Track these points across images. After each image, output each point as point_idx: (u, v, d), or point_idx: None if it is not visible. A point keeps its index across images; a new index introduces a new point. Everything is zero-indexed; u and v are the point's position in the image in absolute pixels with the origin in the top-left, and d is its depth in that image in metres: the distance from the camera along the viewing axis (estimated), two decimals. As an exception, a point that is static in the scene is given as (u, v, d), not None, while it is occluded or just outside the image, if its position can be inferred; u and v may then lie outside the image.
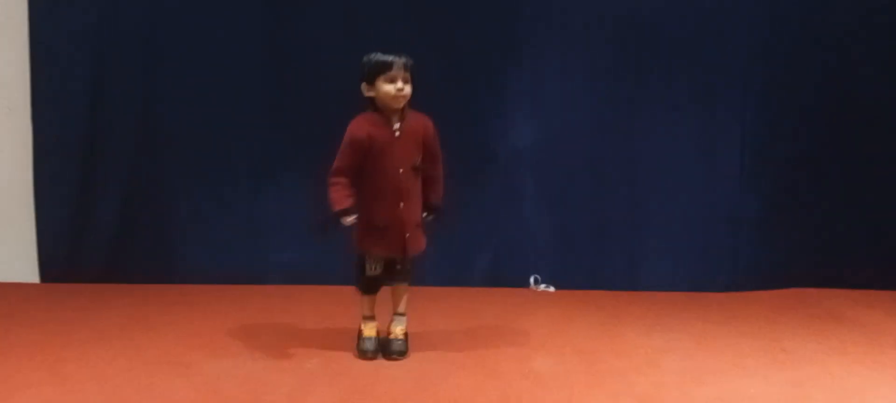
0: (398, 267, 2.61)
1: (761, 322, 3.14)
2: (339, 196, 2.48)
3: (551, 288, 3.66)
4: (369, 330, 2.65)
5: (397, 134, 2.53)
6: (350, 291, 3.35)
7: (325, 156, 3.51)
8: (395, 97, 2.48)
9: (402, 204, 2.53)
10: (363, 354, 2.60)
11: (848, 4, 3.64)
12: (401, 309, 2.69)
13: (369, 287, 2.66)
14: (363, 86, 2.53)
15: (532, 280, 3.68)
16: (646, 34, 3.63)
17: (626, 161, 3.71)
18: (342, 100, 3.60)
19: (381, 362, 2.58)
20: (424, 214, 2.62)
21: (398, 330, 2.66)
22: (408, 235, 2.54)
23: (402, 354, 2.61)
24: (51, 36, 3.58)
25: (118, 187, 3.65)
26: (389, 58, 2.48)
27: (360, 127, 2.52)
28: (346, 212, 2.47)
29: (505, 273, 3.71)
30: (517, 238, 3.73)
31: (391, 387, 2.34)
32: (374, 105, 2.54)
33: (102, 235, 3.65)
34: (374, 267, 2.60)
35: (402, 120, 2.54)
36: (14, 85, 3.60)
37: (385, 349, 2.62)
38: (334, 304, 3.23)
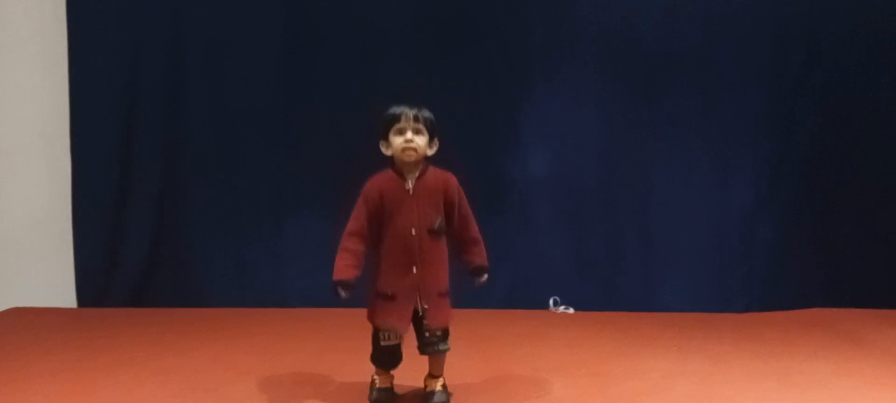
0: (426, 334, 2.31)
1: (776, 344, 3.16)
2: (342, 264, 2.25)
3: (571, 310, 3.71)
4: (383, 381, 2.42)
5: (410, 192, 2.30)
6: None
7: (343, 187, 3.63)
8: (404, 149, 2.28)
9: (415, 270, 2.26)
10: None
11: (856, 26, 3.68)
12: (436, 371, 2.42)
13: (383, 362, 2.38)
14: (381, 144, 2.35)
15: (552, 302, 3.74)
16: (657, 62, 3.71)
17: (640, 185, 3.78)
18: (359, 137, 3.72)
19: (400, 384, 2.62)
20: (481, 279, 2.37)
21: (436, 382, 2.41)
22: (426, 306, 2.27)
23: None
24: (89, 70, 3.77)
25: (150, 216, 3.82)
26: (399, 110, 2.31)
27: (373, 184, 2.32)
28: (343, 285, 2.24)
29: (523, 295, 3.77)
30: (534, 261, 3.80)
31: (407, 412, 2.41)
32: (393, 163, 2.35)
33: (135, 262, 3.81)
34: (388, 336, 2.32)
35: (418, 177, 2.32)
36: (53, 115, 3.76)
37: (425, 401, 2.39)
38: (354, 327, 3.30)
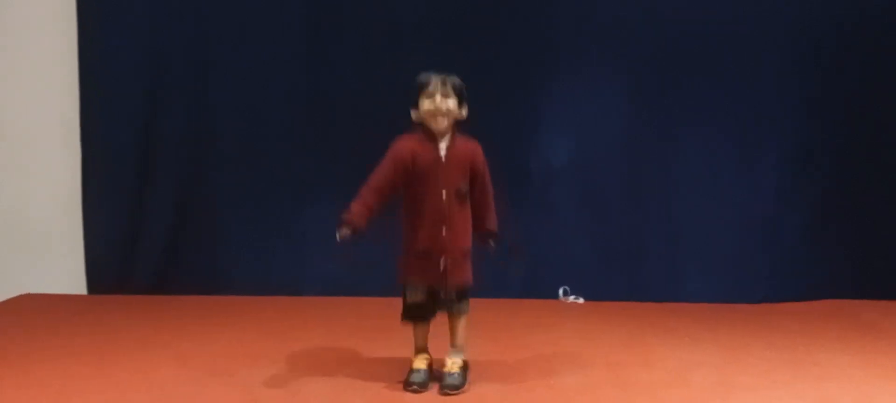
0: (444, 296, 2.43)
1: (794, 334, 3.13)
2: (356, 208, 2.36)
3: (581, 300, 3.69)
4: (418, 362, 2.50)
5: (443, 155, 2.41)
6: (386, 302, 3.46)
7: (360, 175, 3.65)
8: (433, 113, 2.38)
9: (444, 230, 2.39)
10: (408, 386, 2.43)
11: (887, 12, 3.60)
12: (456, 341, 2.50)
13: (412, 315, 2.49)
14: (412, 112, 2.45)
15: (561, 292, 3.72)
16: (680, 50, 3.66)
17: (662, 175, 3.74)
18: (377, 124, 3.73)
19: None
20: (490, 243, 2.49)
21: (451, 362, 2.47)
22: (450, 263, 2.39)
23: (456, 388, 2.40)
24: (101, 60, 3.78)
25: (166, 203, 3.83)
26: (427, 76, 2.42)
27: (404, 143, 2.42)
28: (349, 225, 2.33)
29: (542, 285, 3.76)
30: (554, 250, 3.78)
31: (419, 397, 2.41)
32: (422, 129, 2.44)
33: (149, 249, 3.83)
34: (414, 293, 2.45)
35: (449, 142, 2.43)
36: (64, 99, 3.79)
37: (440, 382, 2.44)
38: (370, 315, 3.34)
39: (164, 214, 3.83)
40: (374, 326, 3.17)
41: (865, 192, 3.68)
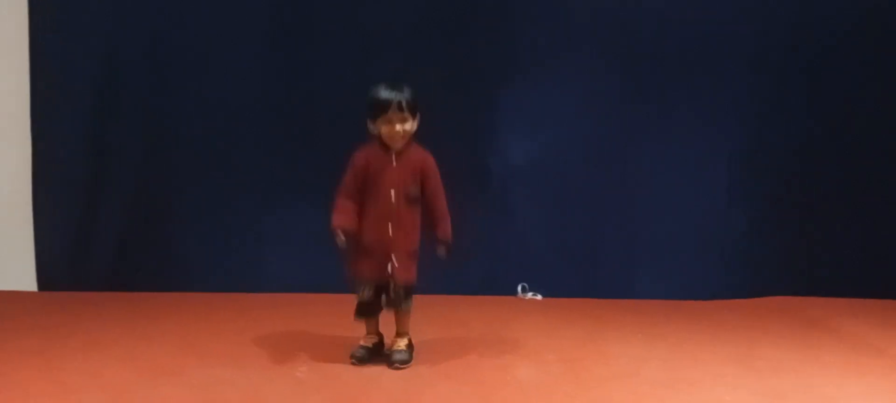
0: (391, 294, 2.63)
1: (744, 330, 3.21)
2: (339, 214, 2.60)
3: (538, 296, 3.74)
4: (365, 340, 2.74)
5: (394, 162, 2.63)
6: (345, 300, 3.46)
7: (323, 169, 3.65)
8: (393, 137, 2.61)
9: (390, 228, 2.59)
10: (352, 358, 2.67)
11: (834, 22, 3.72)
12: (400, 329, 2.73)
13: (363, 312, 2.71)
14: (368, 123, 2.64)
15: (520, 288, 3.76)
16: (639, 53, 3.73)
17: (618, 176, 3.80)
18: (342, 119, 3.72)
19: (373, 370, 2.64)
20: (442, 250, 2.64)
21: (398, 342, 2.71)
22: (394, 262, 2.58)
23: (405, 362, 2.65)
24: (52, 55, 3.69)
25: (119, 198, 3.76)
26: (386, 98, 2.57)
27: (360, 154, 2.67)
28: (342, 230, 2.57)
29: (499, 282, 3.79)
30: (511, 248, 3.82)
31: (378, 395, 2.42)
32: (379, 139, 2.64)
33: (102, 245, 3.75)
34: (363, 291, 2.65)
35: (401, 150, 2.65)
36: (13, 93, 3.68)
37: (389, 359, 2.66)
38: (328, 314, 3.31)
39: (118, 211, 3.75)
40: (329, 323, 3.15)
41: (813, 192, 3.80)
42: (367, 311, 2.71)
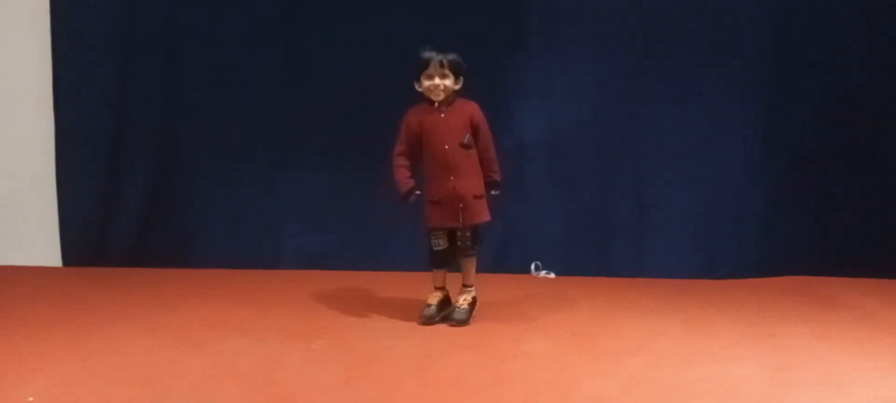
0: (459, 240, 2.88)
1: (756, 308, 3.22)
2: (401, 178, 2.86)
3: (552, 275, 3.77)
4: (432, 298, 2.93)
5: (442, 115, 2.85)
6: (357, 276, 3.52)
7: (335, 148, 3.68)
8: (432, 90, 2.83)
9: (452, 178, 2.83)
10: (422, 318, 2.87)
11: (852, 1, 3.67)
12: (466, 281, 2.97)
13: (435, 261, 2.93)
14: (415, 84, 2.87)
15: (533, 266, 3.79)
16: (653, 29, 3.71)
17: (633, 152, 3.80)
18: (353, 94, 3.76)
19: (385, 343, 2.70)
20: (493, 192, 2.92)
21: (461, 299, 2.93)
22: (461, 206, 2.83)
23: (462, 322, 2.85)
24: (73, 29, 3.75)
25: (140, 175, 3.84)
26: (426, 55, 2.83)
27: (411, 114, 2.89)
28: (410, 191, 2.84)
29: (512, 259, 3.82)
30: (523, 226, 3.84)
31: (391, 365, 2.47)
32: (425, 98, 2.87)
33: (125, 221, 3.84)
34: (438, 241, 2.89)
35: (448, 105, 2.87)
36: (38, 75, 3.76)
37: (447, 316, 2.89)
38: (343, 288, 3.39)
39: (139, 187, 3.84)
40: (350, 298, 3.22)
41: (828, 172, 3.77)
42: (441, 260, 2.92)
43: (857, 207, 3.78)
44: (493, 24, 3.74)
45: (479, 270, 3.71)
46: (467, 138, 2.86)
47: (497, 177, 2.93)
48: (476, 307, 2.96)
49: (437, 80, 2.82)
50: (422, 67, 2.84)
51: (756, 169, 3.77)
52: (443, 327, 2.87)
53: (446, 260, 2.93)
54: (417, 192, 2.85)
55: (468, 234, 2.88)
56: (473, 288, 2.97)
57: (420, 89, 2.87)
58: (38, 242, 3.82)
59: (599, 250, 3.84)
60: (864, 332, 2.89)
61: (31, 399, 2.13)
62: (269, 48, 3.79)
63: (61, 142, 3.80)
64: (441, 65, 2.83)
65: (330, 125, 3.76)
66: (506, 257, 3.82)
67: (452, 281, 3.03)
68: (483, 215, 2.89)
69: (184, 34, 3.78)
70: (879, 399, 2.26)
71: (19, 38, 3.78)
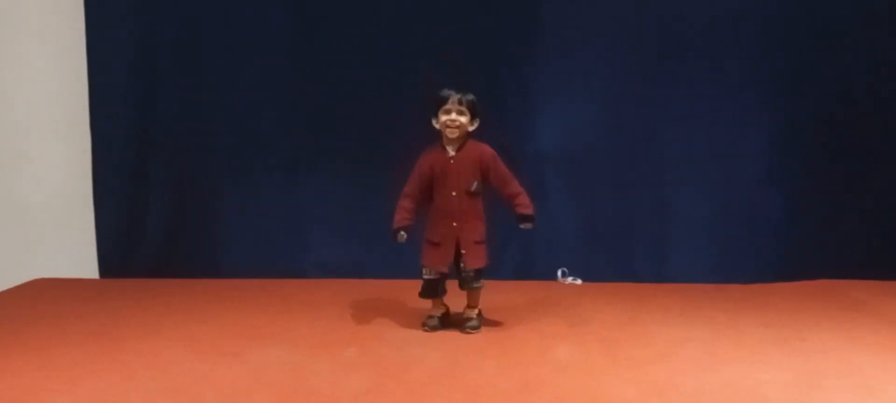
0: (462, 274, 2.93)
1: (782, 312, 3.21)
2: (399, 216, 2.87)
3: (578, 281, 3.78)
4: (435, 310, 3.00)
5: (452, 161, 2.90)
6: (383, 285, 3.56)
7: (359, 157, 3.74)
8: (448, 125, 2.87)
9: (455, 224, 2.89)
10: (424, 326, 2.94)
11: (867, 6, 3.66)
12: (471, 303, 3.02)
13: (426, 293, 2.97)
14: (433, 121, 2.92)
15: (560, 273, 3.81)
16: (669, 35, 3.73)
17: (653, 158, 3.81)
18: (373, 105, 3.82)
19: (416, 351, 2.74)
20: (527, 225, 2.91)
21: (469, 312, 3.00)
22: (464, 252, 2.89)
23: (476, 328, 2.93)
24: (107, 44, 3.86)
25: (170, 189, 3.93)
26: (445, 93, 2.88)
27: (425, 157, 2.95)
28: (402, 229, 2.84)
29: (534, 267, 3.85)
30: (545, 233, 3.85)
31: (421, 373, 2.51)
32: (441, 136, 2.91)
33: (156, 234, 3.93)
34: (428, 274, 2.94)
35: (458, 149, 2.91)
36: (73, 94, 3.88)
37: (460, 326, 2.96)
38: (369, 297, 3.43)
39: (169, 201, 3.93)
40: (377, 306, 3.27)
41: (853, 174, 3.75)
42: (431, 293, 2.97)
43: (877, 210, 3.76)
44: (509, 32, 3.78)
45: (503, 278, 3.77)
46: (475, 186, 2.89)
47: (525, 210, 2.89)
48: (482, 318, 3.02)
49: (454, 116, 2.86)
50: (439, 103, 2.87)
51: (776, 172, 3.77)
52: (470, 336, 2.91)
53: (440, 290, 2.97)
54: (404, 235, 2.84)
55: (470, 274, 2.91)
56: (478, 307, 3.02)
57: (437, 126, 2.90)
58: (76, 255, 3.92)
59: (622, 256, 3.85)
60: (892, 336, 2.87)
61: (73, 409, 2.20)
62: (292, 61, 3.86)
63: (97, 157, 3.91)
64: (459, 102, 2.86)
65: (354, 134, 3.83)
66: (530, 264, 3.85)
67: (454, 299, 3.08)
68: (481, 261, 2.92)
69: (207, 51, 3.87)
70: (911, 402, 2.25)
71: (57, 60, 3.91)
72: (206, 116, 3.92)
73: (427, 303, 3.02)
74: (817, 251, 3.76)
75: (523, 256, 3.83)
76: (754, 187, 3.78)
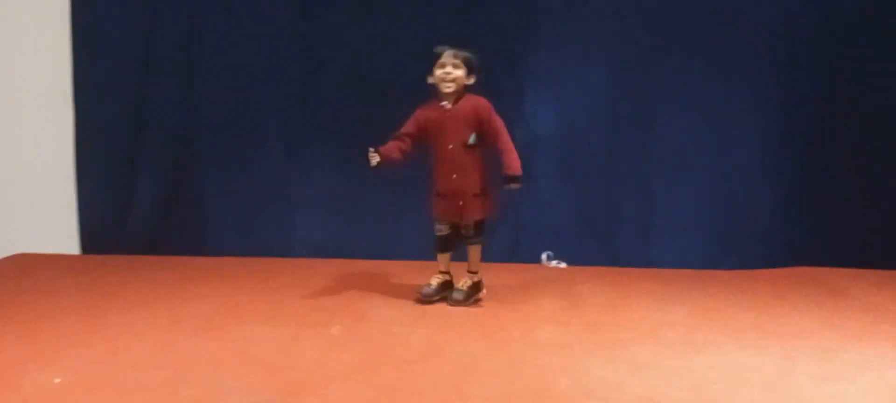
0: (462, 230, 2.99)
1: (765, 298, 3.26)
2: (389, 143, 2.92)
3: (563, 264, 3.81)
4: (433, 279, 3.05)
5: (449, 114, 2.92)
6: (369, 265, 3.58)
7: (349, 138, 3.73)
8: (443, 79, 2.91)
9: (455, 176, 2.93)
10: (420, 295, 3.01)
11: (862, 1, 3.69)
12: (471, 267, 3.06)
13: (437, 245, 3.04)
14: (429, 77, 2.95)
15: (544, 256, 3.84)
16: (664, 23, 3.74)
17: (641, 145, 3.84)
18: (363, 87, 3.82)
19: (401, 329, 2.76)
20: (512, 185, 2.93)
21: (461, 282, 3.04)
22: (461, 203, 2.93)
23: (458, 302, 2.98)
24: (93, 27, 3.82)
25: (156, 166, 3.92)
26: (442, 48, 2.92)
27: (422, 109, 2.99)
28: (378, 152, 2.86)
29: (523, 250, 3.87)
30: (534, 217, 3.89)
31: (406, 351, 2.53)
32: (437, 92, 2.94)
33: (142, 211, 3.92)
34: (441, 227, 3.01)
35: (455, 102, 2.94)
36: (58, 64, 3.85)
37: (446, 296, 3.02)
38: (356, 276, 3.44)
39: (156, 177, 3.91)
40: (363, 285, 3.28)
41: (836, 165, 3.79)
42: (443, 246, 3.03)
43: (865, 201, 3.80)
44: (504, 18, 3.78)
45: (489, 259, 3.77)
46: (472, 138, 2.92)
47: (513, 171, 2.92)
48: (480, 292, 3.07)
49: (449, 69, 2.89)
50: (436, 59, 2.92)
51: (764, 160, 3.80)
52: (455, 314, 2.93)
53: (449, 246, 3.03)
54: (375, 155, 2.84)
55: (470, 225, 2.98)
56: (478, 275, 3.07)
57: (433, 81, 2.93)
58: (58, 231, 3.90)
59: (609, 240, 3.88)
60: (871, 323, 2.92)
61: (57, 379, 2.20)
62: (283, 43, 3.85)
63: (81, 134, 3.88)
64: (454, 56, 2.91)
65: (342, 115, 3.82)
66: (516, 246, 3.87)
67: (460, 270, 3.11)
68: (483, 212, 2.98)
69: (199, 29, 3.84)
70: (883, 385, 2.30)
71: (41, 39, 3.86)
72: (193, 94, 3.89)
73: (419, 282, 3.06)
74: (802, 240, 3.81)
75: (511, 239, 3.86)
76: (744, 178, 3.82)
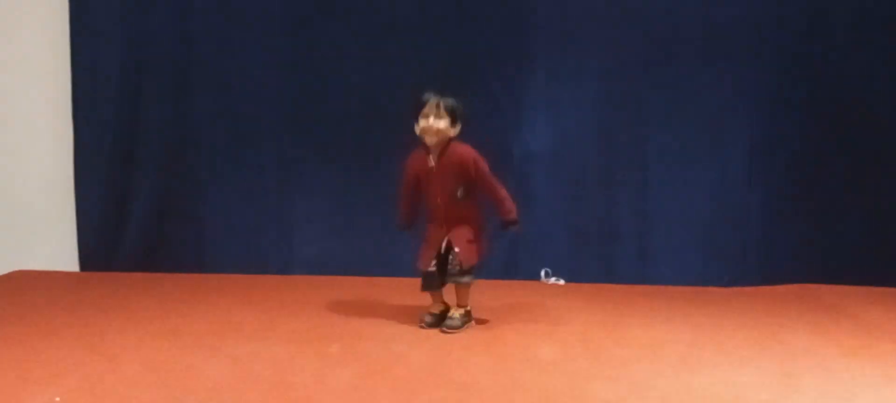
0: (449, 266, 2.91)
1: (761, 316, 3.27)
2: (398, 218, 3.01)
3: (561, 281, 3.82)
4: (433, 308, 3.00)
5: (434, 167, 2.86)
6: (368, 282, 3.57)
7: (346, 156, 3.74)
8: (425, 130, 2.82)
9: (444, 225, 2.88)
10: (421, 323, 2.95)
11: (852, 8, 3.74)
12: (459, 302, 2.99)
13: (425, 285, 2.97)
14: (415, 126, 2.87)
15: (543, 273, 3.85)
16: (655, 38, 3.78)
17: (637, 161, 3.87)
18: (362, 105, 3.84)
19: (400, 347, 2.75)
20: (511, 229, 2.95)
21: (454, 311, 2.98)
22: (457, 250, 2.86)
23: (455, 328, 2.89)
24: (93, 36, 3.85)
25: (154, 183, 3.93)
26: (426, 97, 2.82)
27: (408, 163, 2.95)
28: (401, 227, 2.98)
29: (520, 267, 3.88)
30: (532, 234, 3.89)
31: (405, 370, 2.53)
32: (422, 142, 2.87)
33: (139, 227, 3.91)
34: (427, 263, 2.94)
35: (440, 154, 2.85)
36: (57, 83, 3.86)
37: (443, 323, 2.93)
38: (354, 294, 3.44)
39: (153, 194, 3.91)
40: (362, 304, 3.28)
41: (830, 181, 3.83)
42: (429, 286, 2.97)
43: (859, 215, 3.83)
44: (499, 37, 3.82)
45: (489, 277, 3.78)
46: (461, 191, 2.85)
47: (510, 216, 2.89)
48: (470, 320, 2.99)
49: (431, 120, 2.79)
50: (418, 108, 2.82)
51: (758, 176, 3.84)
52: (455, 335, 2.93)
53: (434, 284, 2.95)
54: (408, 227, 2.96)
55: (456, 268, 2.87)
56: (465, 307, 2.98)
57: (417, 132, 2.84)
58: (56, 247, 3.90)
59: (605, 257, 3.89)
60: (869, 341, 2.93)
61: (57, 399, 2.19)
62: (281, 60, 3.87)
63: (79, 150, 3.88)
64: (437, 106, 2.79)
65: (340, 132, 3.84)
66: (514, 264, 3.88)
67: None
68: (472, 258, 2.89)
69: (196, 45, 3.87)
70: (884, 405, 2.31)
71: (40, 54, 3.89)
72: (191, 111, 3.90)
73: (417, 301, 3.05)
74: (796, 255, 3.83)
75: (509, 256, 3.87)
76: (738, 192, 3.84)
